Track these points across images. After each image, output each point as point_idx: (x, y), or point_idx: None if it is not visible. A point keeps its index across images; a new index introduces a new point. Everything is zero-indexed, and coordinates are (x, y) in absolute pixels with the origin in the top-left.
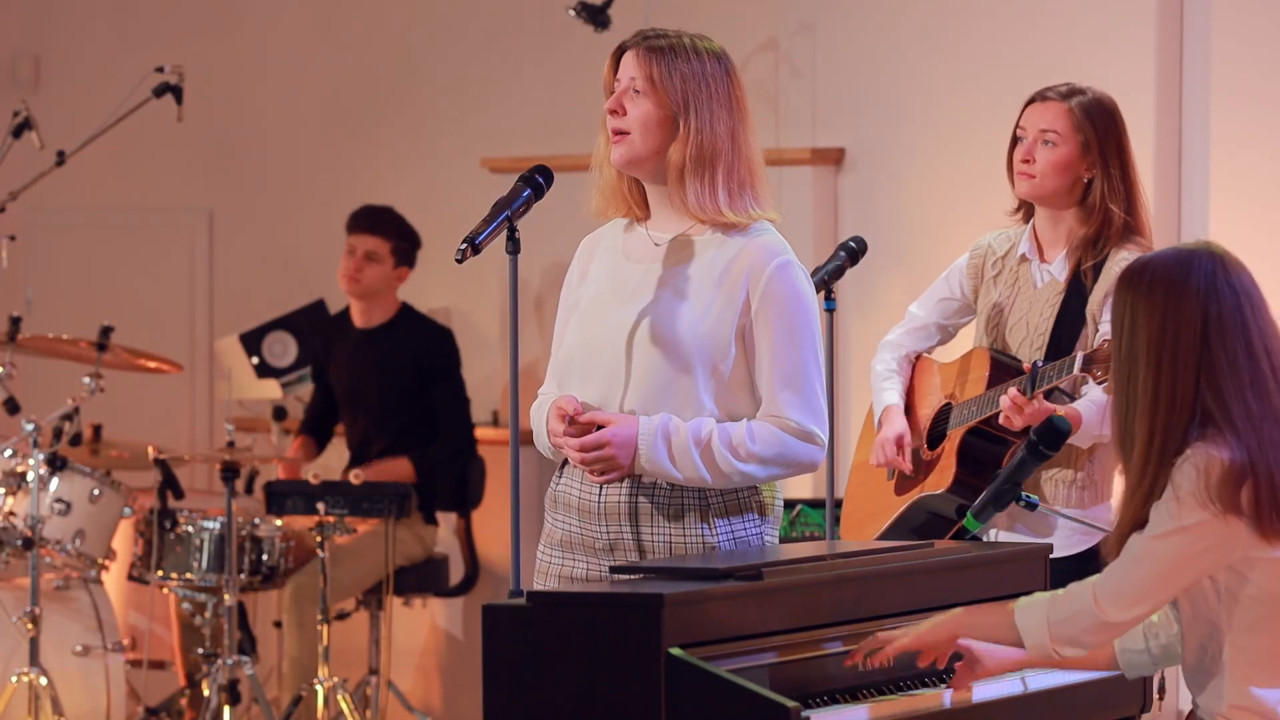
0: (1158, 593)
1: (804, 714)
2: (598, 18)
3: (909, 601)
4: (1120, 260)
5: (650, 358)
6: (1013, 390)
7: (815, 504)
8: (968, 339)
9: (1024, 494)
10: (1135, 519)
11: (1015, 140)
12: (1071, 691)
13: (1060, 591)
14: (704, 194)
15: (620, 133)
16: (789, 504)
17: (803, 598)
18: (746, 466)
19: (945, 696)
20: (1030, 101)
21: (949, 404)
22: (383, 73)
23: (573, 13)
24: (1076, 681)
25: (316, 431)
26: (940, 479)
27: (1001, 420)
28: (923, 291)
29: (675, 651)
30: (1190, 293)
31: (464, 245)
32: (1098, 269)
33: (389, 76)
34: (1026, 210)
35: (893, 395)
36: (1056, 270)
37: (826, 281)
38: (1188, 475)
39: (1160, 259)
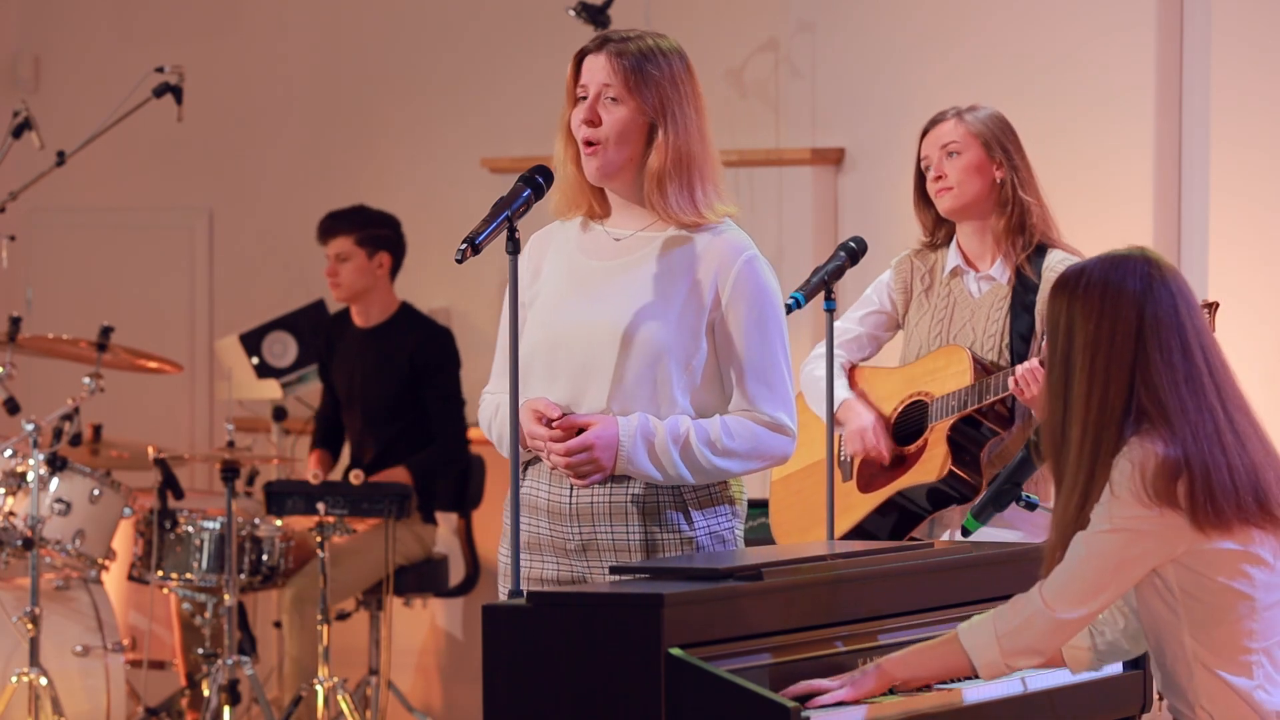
0: (1106, 588)
1: (804, 714)
2: (598, 18)
3: (909, 601)
4: (1058, 261)
5: (623, 355)
6: (1034, 362)
7: None
8: (889, 357)
9: (1024, 494)
10: (1074, 522)
11: (921, 173)
12: (1071, 691)
13: (1004, 605)
14: (683, 198)
15: (593, 143)
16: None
17: (803, 598)
18: (724, 461)
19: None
20: (924, 133)
21: (920, 400)
22: (383, 73)
23: (573, 13)
24: (1076, 682)
25: (329, 442)
26: (929, 470)
27: (1013, 389)
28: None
29: (675, 651)
30: (1126, 294)
31: (464, 245)
32: (1033, 262)
33: (389, 76)
34: (946, 233)
35: (844, 391)
36: (997, 273)
37: (826, 281)
38: (1124, 471)
39: (1095, 264)
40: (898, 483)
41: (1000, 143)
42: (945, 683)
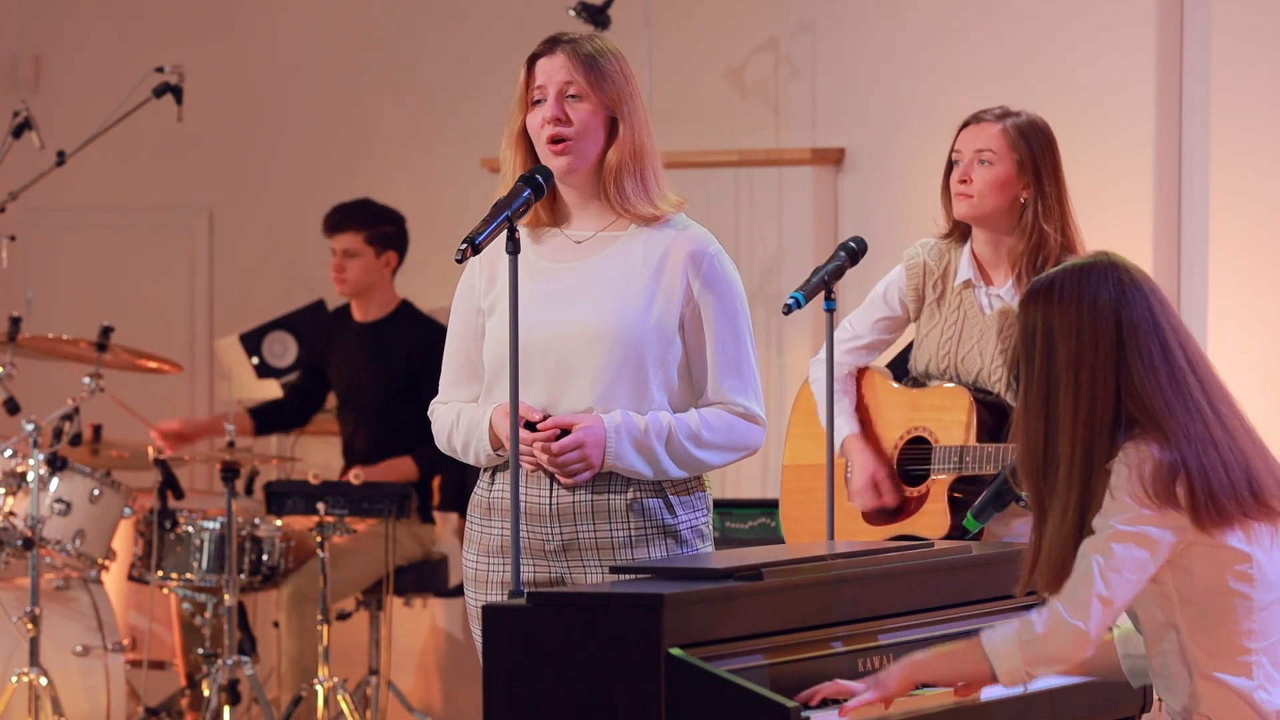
0: (1120, 589)
1: (804, 714)
2: (598, 18)
3: (909, 602)
4: None
5: (600, 355)
6: None
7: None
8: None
9: (1024, 494)
10: (1073, 535)
11: (951, 165)
12: (1072, 692)
13: (1027, 615)
14: (639, 191)
15: (563, 140)
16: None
17: (803, 598)
18: (704, 454)
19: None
20: (965, 125)
21: (923, 438)
22: (382, 72)
23: (573, 13)
24: (1077, 682)
25: (262, 415)
26: (931, 525)
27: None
28: None
29: (675, 651)
30: (1102, 304)
31: (464, 245)
32: None
33: (389, 76)
34: (960, 233)
35: (848, 426)
36: (1007, 295)
37: (826, 281)
38: (1121, 475)
39: (1064, 276)
40: (899, 527)
41: (1034, 163)
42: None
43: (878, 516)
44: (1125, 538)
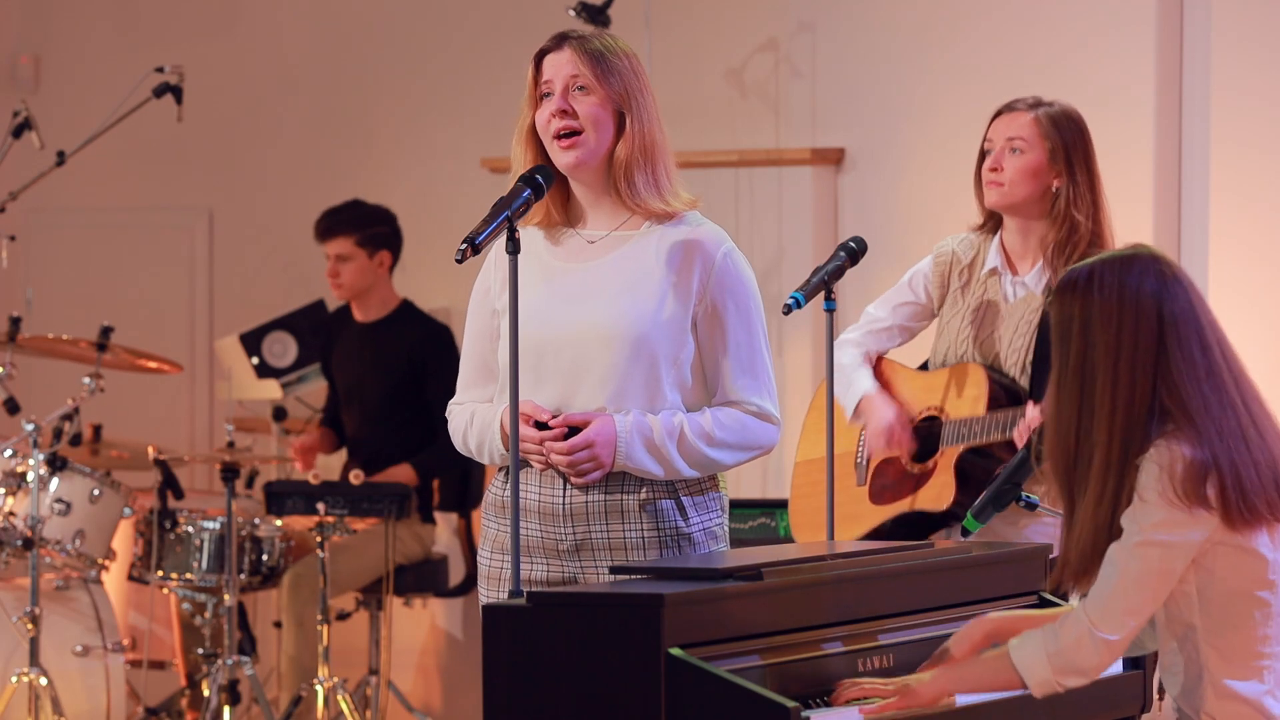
0: (1148, 599)
1: (804, 714)
2: (598, 17)
3: (909, 602)
4: None
5: (613, 355)
6: (1036, 412)
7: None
8: (925, 344)
9: (1024, 494)
10: (1107, 526)
11: (983, 154)
12: (1071, 691)
13: (1052, 624)
14: (650, 187)
15: (573, 133)
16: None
17: (803, 598)
18: (717, 454)
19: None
20: (997, 114)
21: (936, 417)
22: (382, 72)
23: (573, 12)
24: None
25: (336, 425)
26: (937, 497)
27: (1016, 438)
28: None
29: (675, 651)
30: (1145, 295)
31: (464, 245)
32: None
33: (389, 76)
34: (993, 224)
35: (868, 383)
36: (1032, 283)
37: (826, 281)
38: (1151, 474)
39: (1104, 266)
40: (906, 502)
41: (1066, 151)
42: None
43: (884, 493)
44: (1152, 546)
